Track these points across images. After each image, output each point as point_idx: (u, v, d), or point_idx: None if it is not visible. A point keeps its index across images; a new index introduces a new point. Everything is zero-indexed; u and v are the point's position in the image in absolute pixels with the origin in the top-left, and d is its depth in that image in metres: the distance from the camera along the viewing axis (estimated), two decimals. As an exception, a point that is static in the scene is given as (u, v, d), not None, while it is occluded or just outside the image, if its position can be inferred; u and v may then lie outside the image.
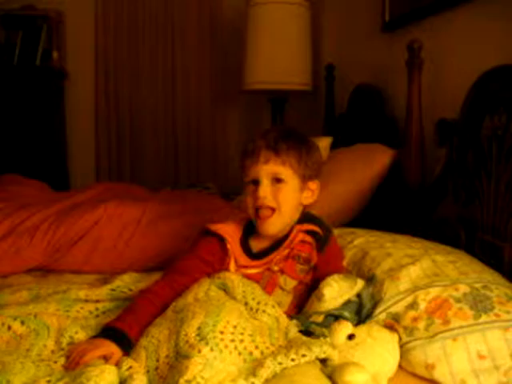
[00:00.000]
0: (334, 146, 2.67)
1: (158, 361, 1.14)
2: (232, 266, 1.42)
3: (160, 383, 1.09)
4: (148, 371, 1.12)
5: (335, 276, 1.36)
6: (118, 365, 1.12)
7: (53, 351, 1.24)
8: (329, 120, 3.28)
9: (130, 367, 1.10)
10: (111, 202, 2.03)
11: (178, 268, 1.42)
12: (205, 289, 1.32)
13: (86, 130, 3.93)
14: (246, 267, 1.42)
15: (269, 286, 1.42)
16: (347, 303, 1.31)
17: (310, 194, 1.45)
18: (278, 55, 3.22)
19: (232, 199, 2.69)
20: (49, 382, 1.06)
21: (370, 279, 1.40)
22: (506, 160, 1.58)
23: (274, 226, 1.39)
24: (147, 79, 3.89)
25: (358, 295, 1.34)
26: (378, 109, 2.65)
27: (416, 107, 2.02)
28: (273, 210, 1.37)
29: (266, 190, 1.36)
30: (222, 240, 1.42)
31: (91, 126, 3.93)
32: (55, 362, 1.17)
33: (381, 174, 2.19)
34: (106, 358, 1.16)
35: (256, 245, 1.45)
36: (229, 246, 1.42)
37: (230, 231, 1.44)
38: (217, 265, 1.42)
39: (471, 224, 1.73)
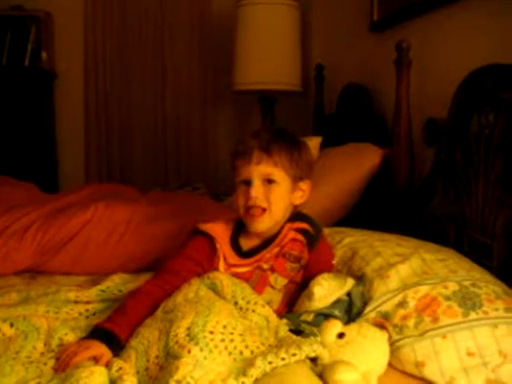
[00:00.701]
0: (323, 146, 2.67)
1: (148, 361, 1.13)
2: (221, 265, 1.42)
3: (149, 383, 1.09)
4: (138, 372, 1.12)
5: (325, 275, 1.36)
6: (108, 366, 1.12)
7: (42, 353, 1.23)
8: (318, 119, 3.29)
9: (120, 368, 1.09)
10: (101, 203, 2.02)
11: (168, 268, 1.42)
12: (194, 289, 1.31)
13: (75, 131, 3.92)
14: (235, 266, 1.42)
15: (259, 285, 1.42)
16: (337, 302, 1.32)
17: (301, 194, 1.45)
18: (268, 55, 3.23)
19: (222, 200, 2.69)
20: (38, 383, 1.06)
21: (359, 278, 1.41)
22: (493, 158, 1.59)
23: (263, 224, 1.39)
24: (137, 79, 3.89)
25: (348, 294, 1.35)
26: (366, 108, 2.66)
27: (404, 106, 2.03)
28: (264, 209, 1.37)
29: (257, 190, 1.36)
30: (211, 239, 1.43)
31: (81, 127, 3.92)
32: (45, 364, 1.17)
33: (370, 173, 2.20)
34: (96, 360, 1.15)
35: (246, 243, 1.45)
36: (218, 245, 1.42)
37: (219, 230, 1.44)
38: (206, 264, 1.42)
39: (460, 222, 1.74)
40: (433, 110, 2.04)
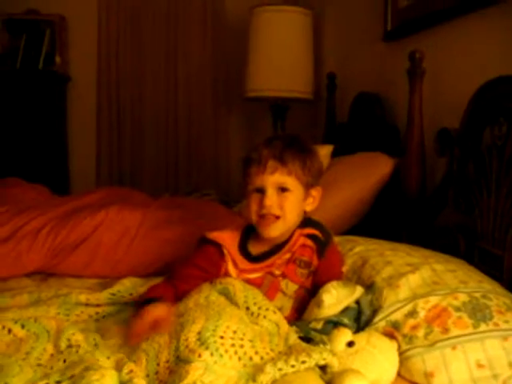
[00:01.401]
0: (334, 155, 2.67)
1: (158, 365, 1.14)
2: (232, 270, 1.43)
3: None
4: (148, 375, 1.12)
5: (334, 283, 1.37)
6: (118, 367, 1.13)
7: (52, 355, 1.23)
8: (330, 128, 3.28)
9: (131, 371, 1.10)
10: (112, 207, 2.03)
11: (177, 275, 1.44)
12: (205, 294, 1.32)
13: (87, 134, 3.94)
14: (246, 271, 1.43)
15: (271, 291, 1.43)
16: (346, 310, 1.32)
17: (312, 201, 1.46)
18: (280, 63, 3.24)
19: (232, 206, 2.69)
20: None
21: (369, 287, 1.41)
22: (506, 170, 1.59)
23: (277, 229, 1.39)
24: (149, 84, 3.91)
25: (357, 302, 1.35)
26: (379, 117, 2.66)
27: (417, 116, 2.02)
28: (277, 217, 1.38)
29: (271, 199, 1.37)
30: (218, 247, 1.44)
31: (93, 131, 3.94)
32: (51, 368, 1.17)
33: (381, 183, 2.20)
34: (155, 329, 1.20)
35: (254, 249, 1.46)
36: (225, 250, 1.43)
37: (226, 238, 1.46)
38: (215, 272, 1.43)
39: (471, 233, 1.73)
40: (446, 120, 2.03)
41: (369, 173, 2.23)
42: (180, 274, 1.44)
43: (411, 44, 2.34)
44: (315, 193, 1.46)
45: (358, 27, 3.19)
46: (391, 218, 2.19)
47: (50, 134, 3.67)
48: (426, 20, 2.33)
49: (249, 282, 1.41)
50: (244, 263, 1.44)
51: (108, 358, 1.18)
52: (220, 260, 1.44)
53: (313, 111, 3.79)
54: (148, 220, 2.01)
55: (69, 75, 3.88)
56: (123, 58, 3.88)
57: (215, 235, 1.45)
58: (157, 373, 1.13)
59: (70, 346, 1.25)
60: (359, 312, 1.33)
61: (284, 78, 3.26)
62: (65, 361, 1.19)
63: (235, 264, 1.43)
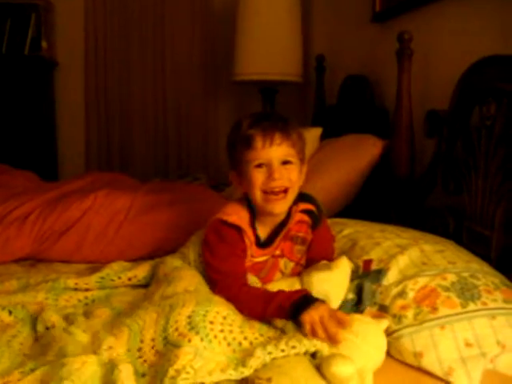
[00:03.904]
0: (324, 137, 2.67)
1: (142, 342, 1.13)
2: (248, 254, 1.41)
3: (144, 367, 1.09)
4: (129, 350, 1.12)
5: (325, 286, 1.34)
6: (95, 343, 1.12)
7: (36, 339, 1.24)
8: (319, 111, 3.28)
9: (110, 347, 1.09)
10: (101, 191, 2.02)
11: (227, 272, 1.35)
12: (196, 281, 1.33)
13: (75, 120, 3.90)
14: (255, 256, 1.42)
15: (271, 271, 1.44)
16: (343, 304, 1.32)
17: (302, 176, 1.45)
18: (269, 46, 3.21)
19: (222, 190, 2.70)
20: (22, 372, 1.04)
21: (378, 272, 1.38)
22: (494, 150, 1.59)
23: (285, 204, 1.38)
24: (137, 69, 3.87)
25: (359, 289, 1.34)
26: (368, 99, 2.65)
27: (406, 98, 2.02)
28: (285, 190, 1.36)
29: (280, 171, 1.34)
30: (239, 231, 1.38)
31: (81, 116, 3.90)
32: (29, 357, 1.16)
33: (371, 165, 2.20)
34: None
35: (262, 231, 1.43)
36: (246, 238, 1.39)
37: (243, 223, 1.39)
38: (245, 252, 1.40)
39: (460, 213, 1.74)
40: (434, 101, 2.03)
41: (358, 155, 2.22)
42: (233, 270, 1.36)
43: (400, 25, 2.33)
44: (304, 169, 1.46)
45: (347, 9, 3.17)
46: (381, 199, 2.19)
47: (37, 120, 3.63)
48: (414, 0, 2.31)
49: (255, 264, 1.41)
50: (255, 250, 1.41)
51: (84, 331, 1.18)
52: (242, 242, 1.39)
53: (302, 94, 3.78)
54: (137, 204, 2.01)
55: (56, 60, 3.83)
56: (111, 43, 3.83)
57: (235, 218, 1.38)
58: (140, 349, 1.12)
59: (47, 329, 1.24)
60: (358, 300, 1.33)
61: (273, 61, 3.24)
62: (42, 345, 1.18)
63: (250, 248, 1.40)
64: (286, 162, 1.36)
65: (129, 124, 3.91)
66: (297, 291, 1.27)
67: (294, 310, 1.20)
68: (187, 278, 1.34)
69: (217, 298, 1.24)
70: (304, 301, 1.21)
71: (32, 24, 3.63)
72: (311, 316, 1.16)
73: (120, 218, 1.94)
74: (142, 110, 3.90)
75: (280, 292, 1.27)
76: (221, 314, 1.16)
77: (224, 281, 1.33)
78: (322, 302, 1.23)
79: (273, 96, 3.50)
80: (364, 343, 1.17)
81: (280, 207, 1.37)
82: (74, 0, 3.79)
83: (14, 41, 3.60)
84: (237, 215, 1.39)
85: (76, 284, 1.47)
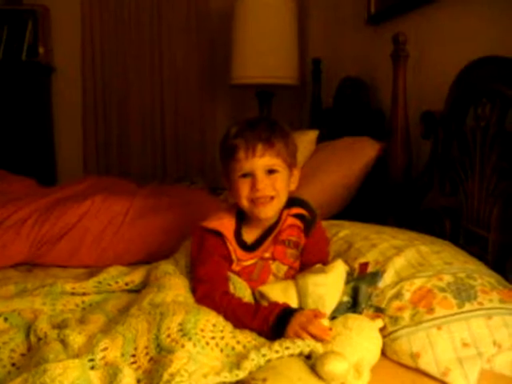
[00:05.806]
0: (320, 140, 2.67)
1: (135, 349, 1.13)
2: (234, 259, 1.43)
3: (138, 373, 1.08)
4: (123, 355, 1.12)
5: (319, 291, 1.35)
6: (91, 343, 1.12)
7: (29, 348, 1.22)
8: (315, 113, 3.28)
9: (106, 348, 1.09)
10: (98, 195, 2.03)
11: (205, 278, 1.37)
12: (184, 291, 1.34)
13: (73, 125, 3.91)
14: (243, 260, 1.43)
15: (263, 274, 1.44)
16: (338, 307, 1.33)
17: (293, 180, 1.46)
18: (265, 49, 3.21)
19: (219, 194, 2.70)
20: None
21: (374, 274, 1.39)
22: (489, 150, 1.59)
23: (272, 209, 1.39)
24: (134, 73, 3.87)
25: (355, 291, 1.35)
26: (364, 102, 2.66)
27: (401, 99, 2.02)
28: (271, 198, 1.38)
29: (263, 181, 1.36)
30: (221, 236, 1.41)
31: (78, 121, 3.91)
32: (13, 366, 1.15)
33: (367, 167, 2.20)
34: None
35: (249, 236, 1.45)
36: (228, 243, 1.41)
37: (225, 228, 1.42)
38: (228, 257, 1.43)
39: (456, 214, 1.74)
40: (430, 102, 2.03)
41: (355, 157, 2.23)
42: (212, 276, 1.37)
43: (395, 27, 2.33)
44: (296, 172, 1.46)
45: (342, 12, 3.18)
46: (377, 201, 2.19)
47: (35, 126, 3.64)
48: (409, 3, 2.32)
49: (244, 268, 1.42)
50: (241, 253, 1.43)
51: (79, 333, 1.18)
52: (224, 248, 1.42)
53: (298, 97, 3.78)
54: (134, 208, 2.01)
55: (53, 65, 3.84)
56: (108, 48, 3.84)
57: (215, 224, 1.42)
58: (134, 356, 1.12)
59: (39, 339, 1.23)
60: (354, 303, 1.33)
61: (269, 65, 3.24)
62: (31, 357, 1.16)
63: (235, 253, 1.42)
64: (271, 171, 1.37)
65: (126, 128, 3.91)
66: (276, 304, 1.27)
67: (276, 324, 1.21)
68: (176, 287, 1.36)
69: (205, 307, 1.25)
70: (283, 314, 1.22)
71: (29, 30, 3.64)
72: (293, 327, 1.18)
73: (117, 223, 1.94)
74: (139, 114, 3.91)
75: (260, 306, 1.29)
76: (210, 321, 1.17)
77: (203, 287, 1.35)
78: (300, 309, 1.25)
79: (269, 99, 3.50)
80: (359, 337, 1.18)
81: (266, 212, 1.39)
82: (70, 6, 3.80)
83: (12, 47, 3.61)
84: (219, 221, 1.43)
85: (73, 288, 1.47)
